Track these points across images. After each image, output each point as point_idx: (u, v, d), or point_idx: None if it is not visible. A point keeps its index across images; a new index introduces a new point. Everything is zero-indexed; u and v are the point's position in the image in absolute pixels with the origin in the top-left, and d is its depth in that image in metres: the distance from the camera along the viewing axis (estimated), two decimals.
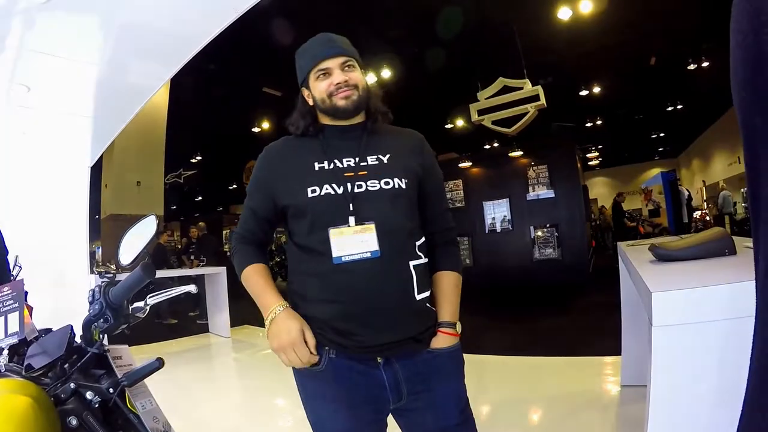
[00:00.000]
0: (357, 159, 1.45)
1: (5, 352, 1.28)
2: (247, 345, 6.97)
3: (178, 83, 9.61)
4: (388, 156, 1.47)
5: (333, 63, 1.45)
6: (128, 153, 11.85)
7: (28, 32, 3.45)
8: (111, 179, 12.01)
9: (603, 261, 11.39)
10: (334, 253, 1.34)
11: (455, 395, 1.48)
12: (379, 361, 1.40)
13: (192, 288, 1.49)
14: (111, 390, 1.23)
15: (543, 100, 9.09)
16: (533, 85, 9.24)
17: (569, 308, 7.60)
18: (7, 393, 1.07)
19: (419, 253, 1.44)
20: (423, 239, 1.48)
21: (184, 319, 9.13)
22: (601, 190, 24.29)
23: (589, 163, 23.15)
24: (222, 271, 7.59)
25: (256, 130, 14.77)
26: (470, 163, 11.25)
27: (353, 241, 1.35)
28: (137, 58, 4.15)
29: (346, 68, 1.47)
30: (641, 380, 2.70)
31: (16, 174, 5.32)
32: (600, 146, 21.69)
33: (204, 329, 7.84)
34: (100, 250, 12.11)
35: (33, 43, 3.59)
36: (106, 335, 1.29)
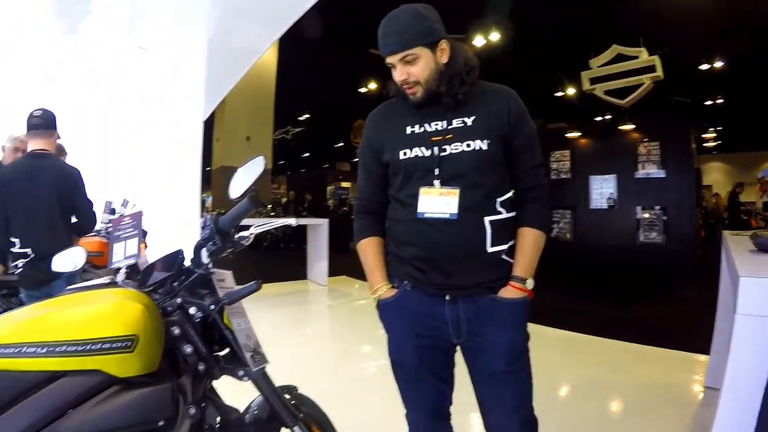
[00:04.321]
0: (444, 123, 1.53)
1: (123, 270, 1.47)
2: (342, 294, 7.28)
3: (286, 44, 9.91)
4: (473, 118, 1.52)
5: (392, 60, 1.50)
6: (239, 110, 12.49)
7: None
8: (222, 134, 12.78)
9: (711, 253, 10.39)
10: (419, 209, 1.50)
11: (507, 344, 1.54)
12: (447, 298, 1.53)
13: (292, 221, 1.64)
14: (212, 307, 1.40)
15: (659, 72, 8.35)
16: (650, 54, 8.48)
17: (667, 298, 7.14)
18: (125, 299, 1.26)
19: (500, 209, 1.52)
20: (509, 194, 1.55)
21: (285, 264, 9.65)
22: (715, 177, 21.85)
23: (705, 145, 20.63)
24: (324, 223, 7.88)
25: (362, 90, 14.96)
26: (579, 134, 10.58)
27: (436, 202, 1.48)
28: (245, 20, 4.34)
29: (406, 63, 1.49)
30: None
31: (137, 127, 5.84)
32: (719, 128, 19.46)
33: (303, 276, 8.23)
34: (210, 198, 13.05)
35: (147, 6, 3.85)
36: (213, 258, 1.44)
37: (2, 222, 2.66)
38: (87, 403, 1.12)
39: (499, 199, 1.52)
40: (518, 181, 1.57)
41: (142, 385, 1.19)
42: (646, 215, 9.23)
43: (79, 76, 5.45)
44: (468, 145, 1.50)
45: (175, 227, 4.61)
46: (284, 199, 17.16)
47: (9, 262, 2.87)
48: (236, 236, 1.49)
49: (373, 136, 1.65)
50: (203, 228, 1.44)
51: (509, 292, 1.52)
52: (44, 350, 1.11)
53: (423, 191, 1.51)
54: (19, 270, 2.68)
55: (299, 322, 5.89)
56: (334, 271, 7.85)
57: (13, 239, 2.65)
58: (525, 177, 1.58)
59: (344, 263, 8.06)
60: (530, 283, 1.53)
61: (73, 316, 1.20)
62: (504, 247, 1.53)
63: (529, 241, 1.55)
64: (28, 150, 2.78)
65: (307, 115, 19.67)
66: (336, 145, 23.54)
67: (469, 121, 1.52)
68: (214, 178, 13.21)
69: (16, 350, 1.10)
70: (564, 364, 3.86)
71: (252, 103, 12.73)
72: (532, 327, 1.59)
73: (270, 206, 12.20)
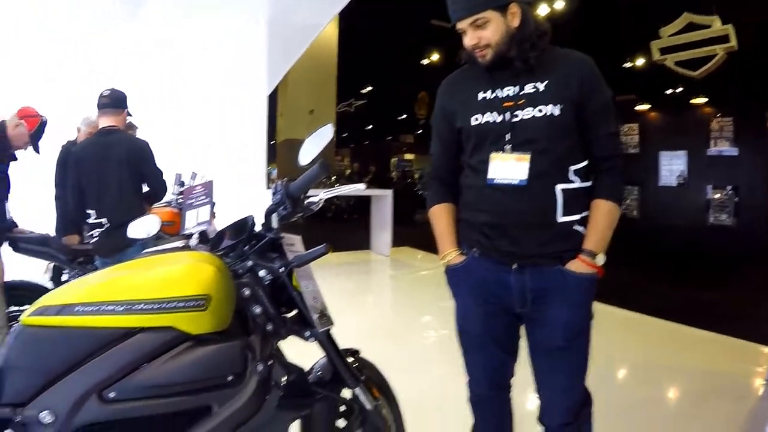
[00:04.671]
0: (516, 88, 1.51)
1: (195, 236, 1.55)
2: (405, 265, 7.33)
3: (347, 17, 9.85)
4: (545, 83, 1.49)
5: (463, 24, 1.48)
6: (301, 84, 12.62)
7: None
8: (286, 108, 12.99)
9: None
10: (489, 175, 1.51)
11: (567, 320, 1.52)
12: (514, 267, 1.52)
13: (361, 186, 1.67)
14: (281, 269, 1.45)
15: (733, 42, 7.67)
16: (723, 23, 7.80)
17: (735, 283, 6.72)
18: (198, 261, 1.32)
19: (572, 178, 1.49)
20: (583, 163, 1.51)
21: (348, 235, 9.78)
22: None
23: None
24: (388, 194, 7.92)
25: (425, 62, 14.74)
26: (648, 107, 10.08)
27: (506, 167, 1.48)
28: None
29: (477, 27, 1.46)
30: None
31: (204, 103, 6.06)
32: None
33: (366, 246, 8.33)
34: (276, 171, 13.37)
35: None
36: (283, 222, 1.49)
37: (78, 195, 2.84)
38: (161, 357, 1.19)
39: (573, 168, 1.49)
40: (592, 149, 1.52)
41: (213, 342, 1.25)
42: (717, 195, 8.79)
43: (143, 52, 5.69)
44: (539, 111, 1.47)
45: (243, 199, 4.79)
46: (348, 171, 17.39)
47: (84, 232, 3.09)
48: (306, 201, 1.53)
49: (446, 103, 1.66)
50: (274, 193, 1.48)
51: (577, 266, 1.48)
52: (122, 308, 1.18)
53: (493, 157, 1.51)
54: (95, 239, 2.86)
55: (362, 291, 6.00)
56: (397, 242, 7.91)
57: (88, 211, 2.82)
58: (599, 145, 1.52)
59: (407, 234, 8.10)
60: (601, 259, 1.49)
61: (150, 277, 1.27)
62: (576, 217, 1.50)
63: (602, 213, 1.50)
64: (99, 128, 2.94)
65: (370, 88, 19.66)
66: (399, 118, 23.46)
67: (541, 86, 1.49)
68: (279, 151, 13.51)
69: (96, 308, 1.18)
70: (622, 343, 3.77)
71: (314, 77, 12.82)
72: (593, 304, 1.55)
73: (334, 178, 12.39)
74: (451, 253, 1.64)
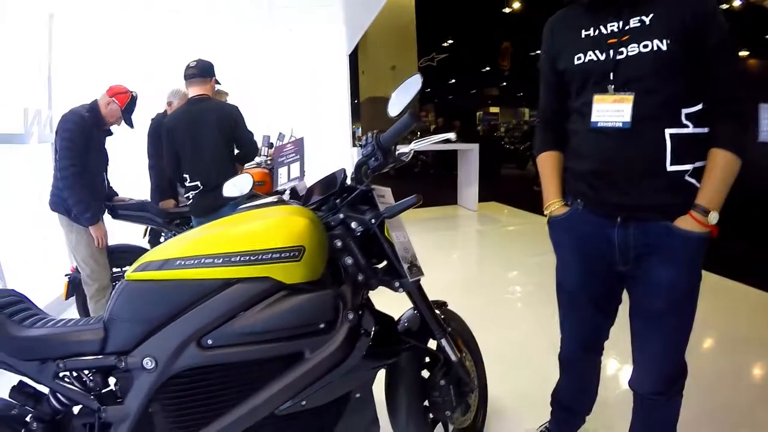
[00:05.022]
0: (620, 23, 1.40)
1: (287, 192, 1.61)
2: (492, 219, 7.21)
3: None
4: (651, 16, 1.36)
5: None
6: (381, 41, 12.54)
7: None
8: (367, 66, 12.99)
9: None
10: (592, 118, 1.43)
11: (670, 282, 1.42)
12: (618, 221, 1.45)
13: (451, 135, 1.66)
14: (373, 220, 1.47)
15: None
16: None
17: None
18: (292, 214, 1.37)
19: (685, 122, 1.36)
20: (698, 107, 1.36)
21: (435, 190, 9.75)
22: None
23: None
24: (474, 148, 7.77)
25: (507, 10, 14.06)
26: (747, 53, 8.99)
27: (609, 109, 1.40)
28: None
29: None
30: None
31: (288, 66, 6.19)
32: None
33: (453, 201, 8.28)
34: (360, 129, 13.51)
35: None
36: (374, 174, 1.51)
37: (174, 161, 3.02)
38: (257, 306, 1.26)
39: (685, 111, 1.35)
40: (711, 91, 1.35)
41: (307, 291, 1.30)
42: None
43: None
44: (645, 46, 1.35)
45: (329, 159, 4.91)
46: (433, 126, 17.17)
47: (179, 196, 3.28)
48: (397, 153, 1.53)
49: (550, 45, 1.59)
50: (364, 146, 1.49)
51: (687, 222, 1.36)
52: (220, 260, 1.25)
53: (596, 98, 1.42)
54: (190, 201, 3.05)
55: (449, 245, 5.99)
56: (484, 196, 7.80)
57: (184, 175, 3.01)
58: (717, 86, 1.35)
59: (494, 189, 7.92)
60: (714, 217, 1.34)
61: (246, 230, 1.33)
62: (688, 167, 1.37)
63: (719, 165, 1.35)
64: (189, 97, 3.08)
65: (451, 41, 19.13)
66: (483, 70, 22.73)
67: (647, 19, 1.36)
68: (362, 109, 13.62)
69: (196, 261, 1.26)
70: (714, 312, 3.42)
71: (394, 33, 12.70)
72: None
73: (419, 134, 12.32)
74: (554, 204, 1.60)
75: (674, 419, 1.61)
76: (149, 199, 3.68)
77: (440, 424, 1.84)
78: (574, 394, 1.90)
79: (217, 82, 3.17)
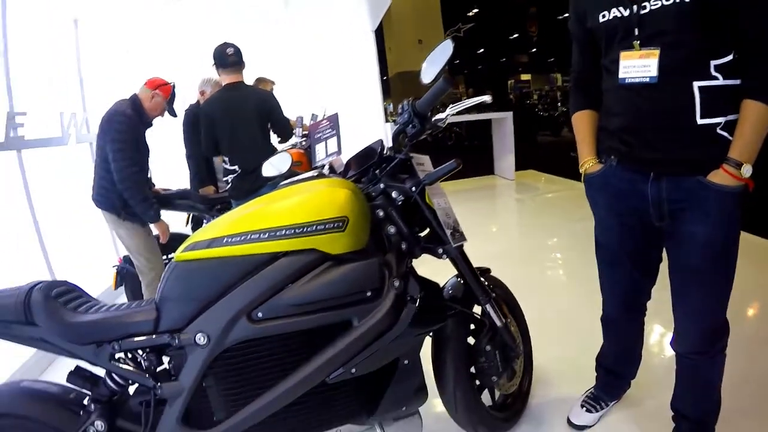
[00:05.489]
0: None
1: (326, 167, 1.64)
2: (530, 188, 7.12)
3: None
4: None
5: None
6: (406, 15, 12.38)
7: None
8: (393, 42, 12.87)
9: None
10: (620, 74, 1.42)
11: (705, 238, 1.40)
12: (651, 176, 1.44)
13: (487, 98, 1.66)
14: (413, 188, 1.49)
15: None
16: None
17: None
18: (334, 186, 1.39)
19: (714, 74, 1.31)
20: (728, 57, 1.31)
21: (471, 160, 9.58)
22: None
23: None
24: (508, 116, 7.62)
25: None
26: None
27: (636, 65, 1.38)
28: None
29: None
30: None
31: (317, 49, 6.19)
32: None
33: (489, 171, 8.20)
34: (391, 105, 13.43)
35: None
36: (412, 141, 1.52)
37: (212, 146, 3.09)
38: (304, 277, 1.29)
39: (714, 62, 1.31)
40: (739, 40, 1.30)
41: (352, 260, 1.33)
42: None
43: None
44: None
45: (363, 136, 4.92)
46: (464, 97, 16.92)
47: (218, 182, 3.35)
48: (434, 119, 1.53)
49: (576, 4, 1.57)
50: (401, 113, 1.49)
51: (719, 176, 1.33)
52: (266, 235, 1.28)
53: (623, 55, 1.41)
54: (229, 185, 3.11)
55: (488, 215, 5.96)
56: (520, 165, 7.69)
57: (224, 158, 3.07)
58: (746, 35, 1.29)
59: (531, 157, 7.76)
60: (747, 170, 1.31)
61: (290, 204, 1.35)
62: (719, 120, 1.33)
63: (751, 116, 1.30)
64: (223, 84, 3.11)
65: (476, 10, 18.69)
66: (511, 37, 22.17)
67: None
68: (392, 85, 13.54)
69: (242, 238, 1.28)
70: (755, 274, 3.18)
71: (418, 6, 12.53)
72: None
73: (451, 105, 12.16)
74: (588, 161, 1.60)
75: (716, 380, 1.59)
76: (188, 187, 3.77)
77: (486, 390, 1.86)
78: (618, 356, 1.90)
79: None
